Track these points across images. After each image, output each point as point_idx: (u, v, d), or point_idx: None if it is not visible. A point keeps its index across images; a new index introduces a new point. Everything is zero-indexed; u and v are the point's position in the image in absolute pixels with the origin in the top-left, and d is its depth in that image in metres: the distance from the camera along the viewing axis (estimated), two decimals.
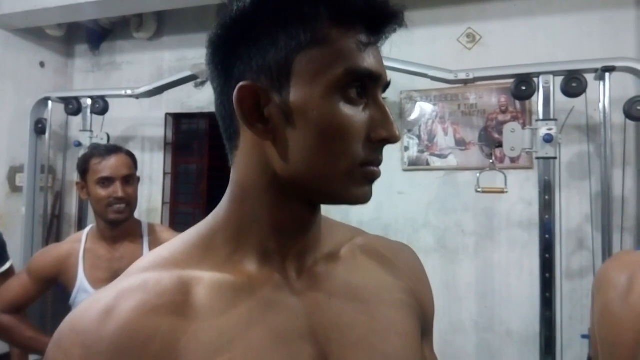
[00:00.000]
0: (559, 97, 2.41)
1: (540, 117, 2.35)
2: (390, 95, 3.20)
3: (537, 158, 2.38)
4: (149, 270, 0.51)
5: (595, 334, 0.98)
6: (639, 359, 0.81)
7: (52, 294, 3.25)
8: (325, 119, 0.49)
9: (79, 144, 3.23)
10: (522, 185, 2.89)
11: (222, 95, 0.53)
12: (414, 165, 3.13)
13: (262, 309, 0.52)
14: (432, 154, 3.10)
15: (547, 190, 2.36)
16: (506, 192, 2.45)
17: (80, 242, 1.47)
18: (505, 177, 2.51)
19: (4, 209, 3.68)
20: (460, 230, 3.06)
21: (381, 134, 0.51)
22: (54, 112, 3.55)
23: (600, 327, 0.92)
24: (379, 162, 0.53)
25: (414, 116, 3.15)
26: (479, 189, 2.46)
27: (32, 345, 1.41)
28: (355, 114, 0.50)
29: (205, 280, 0.51)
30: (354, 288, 0.58)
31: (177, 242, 0.55)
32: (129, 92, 3.11)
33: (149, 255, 0.54)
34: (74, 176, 3.92)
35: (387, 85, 0.54)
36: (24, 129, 3.56)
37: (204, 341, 0.48)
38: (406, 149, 3.15)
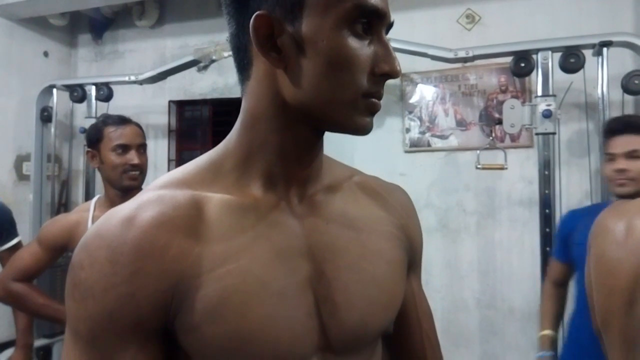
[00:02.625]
0: (557, 75, 2.43)
1: (539, 93, 2.37)
2: None
3: (537, 134, 2.41)
4: (164, 188, 0.55)
5: (590, 282, 1.01)
6: (636, 302, 0.83)
7: (61, 273, 3.31)
8: (334, 49, 0.53)
9: (84, 131, 3.27)
10: (523, 164, 2.92)
11: (238, 26, 0.57)
12: (415, 146, 3.16)
13: (267, 227, 0.56)
14: (433, 135, 3.13)
15: (546, 166, 2.39)
16: (506, 168, 2.48)
17: (88, 211, 1.51)
18: (505, 154, 2.54)
19: (11, 197, 3.73)
20: (461, 209, 3.09)
21: (384, 68, 0.55)
22: (59, 101, 3.59)
23: (597, 273, 0.94)
24: (380, 96, 0.57)
25: (414, 98, 3.17)
26: (479, 166, 2.49)
27: (44, 312, 1.46)
28: (360, 47, 0.54)
29: (215, 200, 0.55)
30: (349, 217, 0.62)
31: (190, 166, 0.60)
32: (133, 78, 3.15)
33: (164, 177, 0.59)
34: (80, 165, 3.97)
35: (390, 25, 0.58)
36: (29, 118, 3.61)
37: (215, 251, 0.52)
38: (407, 130, 3.18)
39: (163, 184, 0.57)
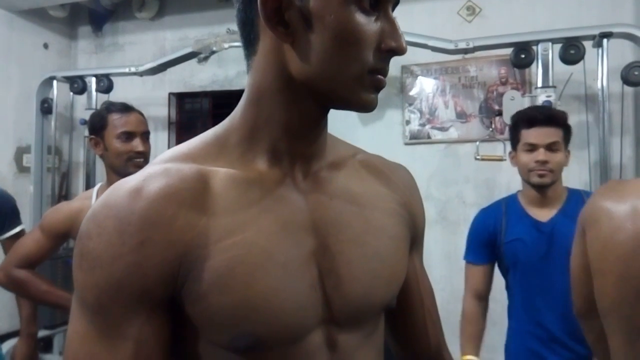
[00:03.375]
0: (557, 66, 2.44)
1: (539, 85, 2.38)
2: (391, 70, 3.22)
3: None
4: (170, 162, 0.56)
5: (577, 267, 1.00)
6: None
7: (62, 265, 3.32)
8: (341, 24, 0.53)
9: (84, 122, 3.27)
10: None
11: (245, 1, 0.57)
12: (415, 138, 3.16)
13: (272, 201, 0.57)
14: (433, 127, 3.13)
15: None
16: (505, 159, 2.48)
17: (90, 198, 1.52)
18: (505, 145, 2.54)
19: (12, 189, 3.72)
20: (461, 201, 3.10)
21: (390, 44, 0.55)
22: (59, 93, 3.59)
23: (601, 258, 0.91)
24: (385, 72, 0.58)
25: (414, 90, 3.18)
26: (478, 157, 2.50)
27: (47, 298, 1.47)
28: (367, 23, 0.54)
29: (221, 174, 0.56)
30: (353, 194, 0.63)
31: (195, 141, 0.60)
32: (133, 69, 3.15)
33: (169, 151, 0.59)
34: (80, 157, 3.98)
35: (397, 2, 0.58)
36: (29, 110, 3.61)
37: (221, 223, 0.53)
38: (407, 122, 3.19)
39: (169, 158, 0.58)
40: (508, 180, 3.00)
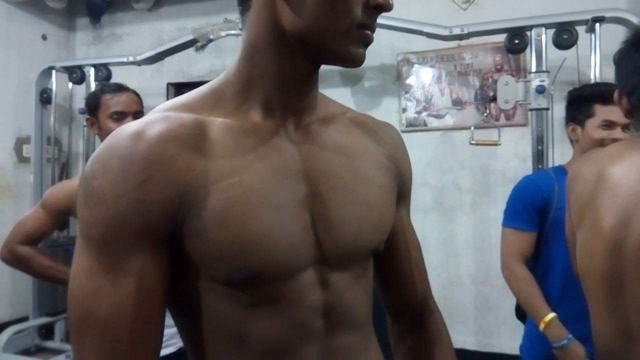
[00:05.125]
0: (551, 53, 2.47)
1: (533, 70, 2.41)
2: (387, 58, 3.26)
3: (530, 110, 2.45)
4: (169, 110, 0.59)
5: (571, 230, 1.05)
6: (623, 244, 0.85)
7: (62, 252, 3.35)
8: None
9: (83, 112, 3.30)
10: (517, 142, 2.96)
11: None
12: (412, 126, 3.20)
13: (266, 149, 0.60)
14: (430, 115, 3.17)
15: (540, 142, 2.43)
16: (499, 144, 2.52)
17: None
18: (499, 131, 2.58)
19: (12, 179, 3.77)
20: (457, 188, 3.14)
21: (377, 0, 0.58)
22: (58, 84, 3.62)
23: (576, 219, 0.98)
24: (373, 28, 0.61)
25: (411, 78, 3.21)
26: (472, 142, 2.53)
27: (50, 273, 1.50)
28: None
29: (217, 123, 0.59)
30: (342, 146, 0.66)
31: (192, 94, 0.63)
32: (131, 58, 3.18)
33: (167, 102, 0.62)
34: (80, 147, 4.00)
35: None
36: (29, 101, 3.64)
37: (219, 166, 0.56)
38: (404, 110, 3.22)
39: (167, 107, 0.60)
40: (503, 166, 3.04)
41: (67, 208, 1.49)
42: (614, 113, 1.49)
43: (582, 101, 1.56)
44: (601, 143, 1.49)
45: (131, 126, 0.56)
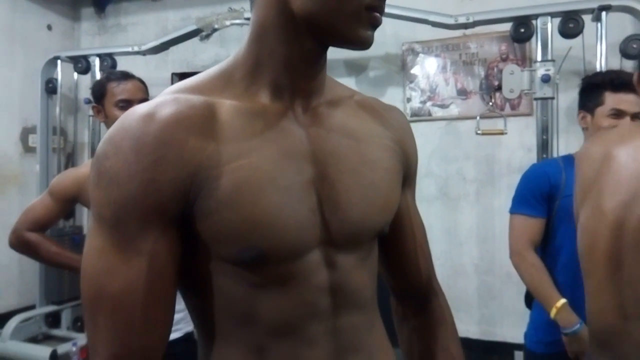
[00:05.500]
0: (557, 42, 2.46)
1: (539, 59, 2.40)
2: (391, 47, 3.25)
3: (535, 99, 2.44)
4: (179, 93, 0.60)
5: (577, 209, 1.05)
6: (623, 225, 0.86)
7: (69, 241, 3.38)
8: None
9: (89, 101, 3.32)
10: (522, 132, 2.96)
11: None
12: (416, 115, 3.19)
13: (274, 132, 0.61)
14: (434, 105, 3.16)
15: (544, 131, 2.43)
16: (505, 133, 2.52)
17: None
18: (505, 120, 2.57)
19: (18, 169, 3.79)
20: (461, 178, 3.14)
21: None
22: (64, 74, 3.63)
23: (580, 197, 1.00)
24: (381, 10, 0.61)
25: (415, 67, 3.20)
26: (478, 131, 2.53)
27: (57, 260, 1.52)
28: None
29: (227, 105, 0.60)
30: (349, 129, 0.67)
31: (202, 75, 0.64)
32: (136, 48, 3.18)
33: (177, 84, 0.63)
34: (85, 137, 4.03)
35: None
36: (34, 91, 3.65)
37: (228, 148, 0.57)
38: (408, 100, 3.21)
39: (177, 90, 0.61)
40: (508, 156, 3.03)
41: (75, 195, 1.51)
42: (624, 102, 1.47)
43: (593, 89, 1.54)
44: None
45: (142, 107, 0.57)
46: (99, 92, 1.54)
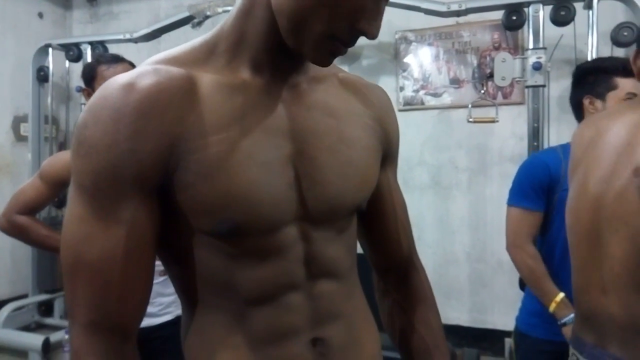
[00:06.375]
0: (548, 30, 2.46)
1: (530, 46, 2.41)
2: (385, 36, 3.25)
3: (527, 87, 2.45)
4: (159, 64, 0.60)
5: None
6: (602, 203, 0.87)
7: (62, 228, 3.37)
8: None
9: (80, 89, 3.28)
10: (514, 120, 2.97)
11: None
12: (409, 104, 3.20)
13: (254, 106, 0.61)
14: (427, 93, 3.17)
15: (536, 119, 2.44)
16: (497, 121, 2.53)
17: None
18: (497, 108, 2.58)
19: (10, 157, 3.77)
20: (454, 166, 3.15)
21: (363, 27, 0.56)
22: (55, 63, 3.60)
23: (570, 175, 1.01)
24: (349, 45, 0.59)
25: (409, 56, 3.20)
26: (470, 119, 2.53)
27: (48, 243, 1.51)
28: None
29: (207, 78, 0.60)
30: (330, 107, 0.67)
31: (185, 46, 0.64)
32: (128, 36, 3.17)
33: (158, 55, 0.63)
34: None
35: None
36: (26, 79, 3.62)
37: (207, 120, 0.57)
38: (401, 89, 3.22)
39: (158, 60, 0.61)
40: (500, 145, 3.05)
41: (65, 179, 1.50)
42: (635, 85, 1.47)
43: (602, 73, 1.52)
44: None
45: (122, 77, 0.57)
46: (90, 75, 1.53)
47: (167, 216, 0.59)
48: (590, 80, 1.55)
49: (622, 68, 1.50)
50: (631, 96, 1.48)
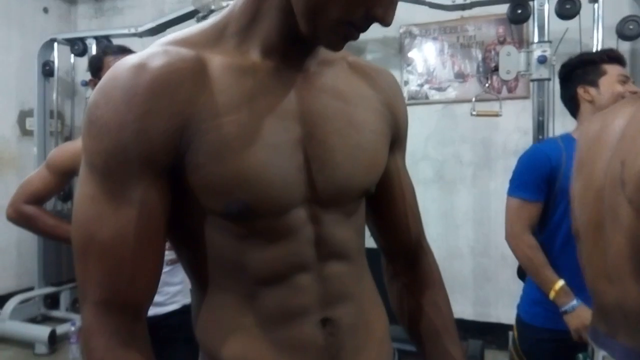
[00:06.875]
0: (553, 24, 2.46)
1: (535, 40, 2.40)
2: (389, 30, 3.24)
3: (532, 80, 2.45)
4: (169, 45, 0.60)
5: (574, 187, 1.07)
6: (603, 195, 0.88)
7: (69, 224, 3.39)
8: None
9: (86, 83, 3.31)
10: (519, 115, 2.96)
11: None
12: (414, 99, 3.20)
13: (264, 89, 0.61)
14: (431, 88, 3.16)
15: (540, 113, 2.44)
16: (500, 115, 2.52)
17: None
18: (501, 102, 2.58)
19: (16, 152, 3.79)
20: (458, 161, 3.15)
21: (377, 14, 0.56)
22: (60, 57, 3.62)
23: (574, 168, 1.02)
24: (362, 30, 0.59)
25: (413, 50, 3.20)
26: (473, 112, 2.53)
27: (55, 232, 1.52)
28: None
29: (217, 60, 0.60)
30: (339, 90, 0.67)
31: (194, 28, 0.64)
32: (133, 30, 3.17)
33: (168, 36, 0.63)
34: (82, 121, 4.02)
35: None
36: (31, 74, 3.64)
37: (218, 102, 0.58)
38: (406, 83, 3.21)
39: (168, 42, 0.61)
40: (504, 139, 3.04)
41: (72, 168, 1.51)
42: (623, 70, 1.56)
43: (589, 64, 1.58)
44: (621, 96, 1.49)
45: (133, 58, 0.57)
46: (96, 66, 1.54)
47: (178, 198, 0.59)
48: (579, 73, 1.60)
49: (606, 56, 1.57)
50: (623, 78, 1.54)
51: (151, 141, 0.55)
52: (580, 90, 1.59)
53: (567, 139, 1.60)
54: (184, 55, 0.58)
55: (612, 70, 1.55)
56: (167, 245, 0.64)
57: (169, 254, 1.49)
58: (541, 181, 1.57)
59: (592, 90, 1.57)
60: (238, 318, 0.62)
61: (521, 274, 1.73)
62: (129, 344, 0.57)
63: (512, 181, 1.65)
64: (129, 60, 0.57)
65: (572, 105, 1.63)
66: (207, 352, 0.65)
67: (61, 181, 1.53)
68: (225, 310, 0.63)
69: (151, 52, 0.58)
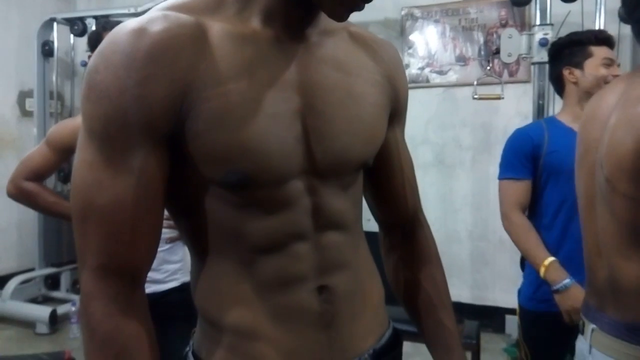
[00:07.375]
0: (555, 6, 2.44)
1: (537, 22, 2.39)
2: (391, 12, 3.22)
3: (533, 63, 2.44)
4: (168, 10, 0.59)
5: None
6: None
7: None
8: None
9: (85, 64, 3.30)
10: (520, 99, 2.95)
11: None
12: (414, 82, 3.19)
13: (264, 57, 0.61)
14: (432, 71, 3.15)
15: (541, 97, 2.43)
16: (502, 98, 2.52)
17: None
18: (502, 86, 2.57)
19: (16, 132, 3.79)
20: (458, 145, 3.15)
21: None
22: (60, 37, 3.60)
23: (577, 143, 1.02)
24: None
25: (414, 33, 3.18)
26: (475, 96, 2.52)
27: (55, 209, 1.53)
28: None
29: (217, 27, 0.60)
30: (339, 61, 0.67)
31: None
32: (132, 10, 3.15)
33: (167, 1, 0.62)
34: None
35: None
36: (31, 54, 3.62)
37: (219, 70, 0.57)
38: (407, 66, 3.20)
39: (167, 7, 0.60)
40: (505, 123, 3.03)
41: (71, 145, 1.51)
42: (609, 52, 1.57)
43: (577, 45, 1.60)
44: (604, 80, 1.51)
45: (132, 23, 0.57)
46: (96, 42, 1.54)
47: (178, 166, 0.59)
48: (567, 53, 1.62)
49: (594, 38, 1.58)
50: (608, 61, 1.55)
51: (151, 107, 0.54)
52: (565, 72, 1.61)
53: (551, 120, 1.66)
54: (183, 20, 0.58)
55: (599, 53, 1.56)
56: (167, 224, 0.64)
57: (169, 232, 1.51)
58: (525, 159, 1.61)
59: (577, 72, 1.59)
60: (236, 285, 0.63)
61: (522, 264, 1.75)
62: (128, 311, 0.57)
63: (500, 165, 1.70)
64: (128, 24, 0.57)
65: (558, 85, 1.66)
66: (206, 319, 0.66)
67: (61, 157, 1.54)
68: (223, 277, 0.64)
69: (150, 17, 0.57)
